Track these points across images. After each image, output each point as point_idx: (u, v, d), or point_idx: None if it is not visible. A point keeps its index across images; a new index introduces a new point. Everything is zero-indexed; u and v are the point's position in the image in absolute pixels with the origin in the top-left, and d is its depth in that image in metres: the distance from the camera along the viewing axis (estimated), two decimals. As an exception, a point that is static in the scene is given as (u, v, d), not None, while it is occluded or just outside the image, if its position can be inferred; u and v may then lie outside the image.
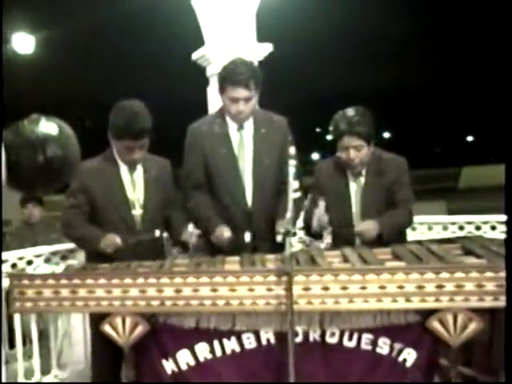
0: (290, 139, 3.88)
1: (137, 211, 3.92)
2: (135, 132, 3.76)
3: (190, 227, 3.90)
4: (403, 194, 4.06)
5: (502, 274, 3.05)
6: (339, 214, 4.01)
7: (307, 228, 4.17)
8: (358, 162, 3.95)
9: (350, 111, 3.97)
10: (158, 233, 3.94)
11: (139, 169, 3.96)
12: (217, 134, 4.04)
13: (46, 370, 4.88)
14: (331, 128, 4.02)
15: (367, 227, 3.86)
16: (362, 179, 4.04)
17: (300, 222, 4.27)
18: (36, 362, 4.82)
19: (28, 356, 4.91)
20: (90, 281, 3.27)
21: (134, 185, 3.94)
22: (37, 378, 4.79)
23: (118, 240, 3.72)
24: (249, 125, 4.06)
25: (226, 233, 3.85)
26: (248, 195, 4.02)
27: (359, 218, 4.01)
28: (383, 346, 3.29)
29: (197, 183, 4.06)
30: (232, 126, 4.05)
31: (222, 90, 3.98)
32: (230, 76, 3.93)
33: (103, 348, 3.61)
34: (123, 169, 3.93)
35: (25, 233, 6.25)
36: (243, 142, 4.05)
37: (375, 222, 3.87)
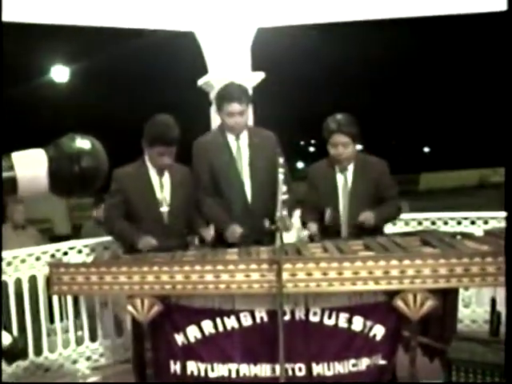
0: (278, 150, 3.86)
1: (164, 208, 3.92)
2: (167, 140, 3.81)
3: (206, 228, 4.00)
4: (391, 193, 4.09)
5: (453, 261, 3.06)
6: (328, 201, 4.00)
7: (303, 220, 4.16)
8: (344, 157, 3.96)
9: (339, 115, 4.00)
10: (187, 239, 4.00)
11: (166, 174, 3.96)
12: (218, 144, 4.06)
13: (80, 342, 4.88)
14: (323, 128, 4.01)
15: (367, 217, 3.87)
16: (348, 174, 4.03)
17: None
18: (71, 335, 4.81)
19: (65, 330, 4.92)
20: (114, 269, 3.25)
21: (162, 187, 3.94)
22: (72, 348, 4.79)
23: (153, 242, 3.71)
24: (244, 136, 4.07)
25: (237, 230, 3.85)
26: (248, 193, 4.01)
27: (345, 206, 4.01)
28: (357, 324, 3.28)
29: (204, 187, 4.04)
30: (230, 137, 4.06)
31: (220, 107, 4.02)
32: (225, 95, 4.00)
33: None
34: (153, 173, 3.94)
35: (97, 231, 6.20)
36: (240, 148, 4.05)
37: (372, 213, 3.88)
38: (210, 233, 3.96)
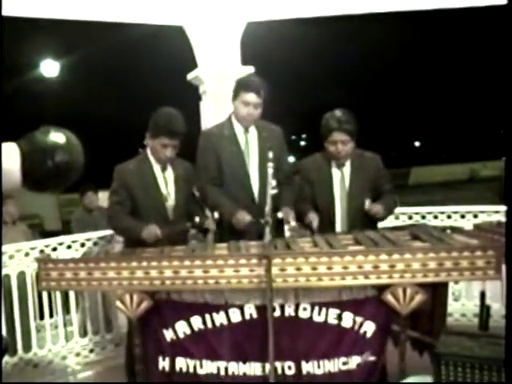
0: (269, 145, 3.83)
1: (169, 203, 3.87)
2: (171, 131, 3.74)
3: (210, 218, 3.89)
4: (388, 187, 4.10)
5: (442, 255, 3.06)
6: (324, 197, 3.98)
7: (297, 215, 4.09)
8: (344, 154, 3.93)
9: (338, 112, 3.94)
10: (188, 224, 3.85)
11: (169, 169, 3.91)
12: (226, 135, 4.00)
13: (69, 338, 4.85)
14: (322, 125, 3.97)
15: (378, 209, 3.87)
16: (345, 169, 4.00)
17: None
18: (61, 331, 4.79)
19: (55, 326, 4.90)
20: (102, 264, 3.24)
21: (166, 182, 3.88)
22: (61, 344, 4.77)
23: (158, 231, 3.62)
24: (252, 129, 4.02)
25: (246, 217, 3.79)
26: (254, 187, 3.97)
27: (342, 201, 3.98)
28: (347, 321, 3.26)
29: (211, 177, 3.98)
30: (239, 129, 4.01)
31: (236, 94, 3.95)
32: (245, 83, 3.95)
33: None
34: (156, 168, 3.87)
35: (86, 218, 6.17)
36: (249, 142, 4.00)
37: (381, 205, 3.89)
38: (213, 223, 3.89)
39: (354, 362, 3.29)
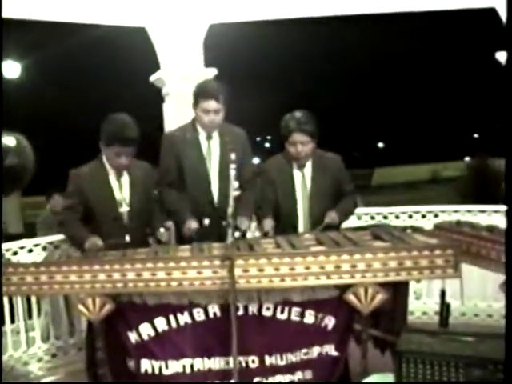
0: (231, 147, 3.82)
1: (124, 209, 3.81)
2: (124, 139, 3.68)
3: (162, 229, 3.84)
4: (348, 188, 4.14)
5: (403, 254, 3.12)
6: (286, 198, 3.99)
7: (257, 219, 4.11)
8: (303, 155, 3.95)
9: (298, 113, 3.96)
10: (127, 238, 3.78)
11: (125, 173, 3.85)
12: (188, 140, 3.96)
13: (31, 344, 4.79)
14: (282, 126, 3.99)
15: (333, 218, 3.90)
16: (306, 170, 4.02)
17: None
18: (22, 336, 4.72)
19: (16, 332, 4.82)
20: (64, 268, 3.20)
21: (121, 187, 3.83)
22: (23, 349, 4.70)
23: (99, 242, 3.57)
24: (215, 135, 3.99)
25: (193, 224, 3.77)
26: (214, 192, 3.95)
27: (304, 202, 4.00)
28: (309, 317, 3.32)
29: (171, 181, 3.95)
30: (202, 135, 3.98)
31: (196, 103, 3.93)
32: (203, 91, 3.91)
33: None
34: (111, 173, 3.82)
35: (52, 221, 6.08)
36: (211, 148, 3.97)
37: (336, 212, 3.92)
38: (165, 234, 3.87)
39: (315, 352, 3.37)
